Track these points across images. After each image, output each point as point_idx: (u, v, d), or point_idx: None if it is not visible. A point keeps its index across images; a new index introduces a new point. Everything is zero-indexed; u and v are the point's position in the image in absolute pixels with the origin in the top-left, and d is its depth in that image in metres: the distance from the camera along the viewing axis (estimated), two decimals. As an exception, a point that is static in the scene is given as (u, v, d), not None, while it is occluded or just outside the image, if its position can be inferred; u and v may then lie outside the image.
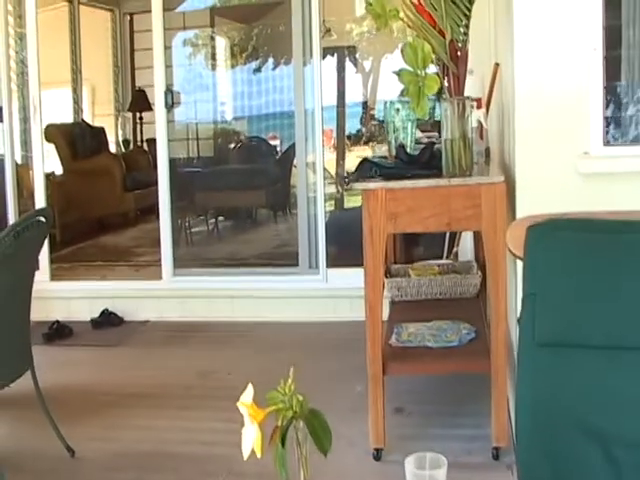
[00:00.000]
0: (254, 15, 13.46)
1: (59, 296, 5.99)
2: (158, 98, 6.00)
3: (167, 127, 6.03)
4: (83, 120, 9.98)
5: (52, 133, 8.16)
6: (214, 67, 11.36)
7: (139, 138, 10.79)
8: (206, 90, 11.17)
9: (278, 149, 9.99)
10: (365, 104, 15.18)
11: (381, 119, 15.09)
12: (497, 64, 4.35)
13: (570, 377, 1.79)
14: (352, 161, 11.44)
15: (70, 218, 7.88)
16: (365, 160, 3.56)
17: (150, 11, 10.26)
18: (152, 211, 9.34)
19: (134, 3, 10.72)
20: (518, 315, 1.90)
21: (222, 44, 12.18)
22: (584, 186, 3.33)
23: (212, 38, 11.01)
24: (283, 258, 6.50)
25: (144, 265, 6.92)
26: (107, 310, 5.88)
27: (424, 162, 3.52)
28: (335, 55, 13.78)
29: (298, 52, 5.85)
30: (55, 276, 6.23)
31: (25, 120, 6.86)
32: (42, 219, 3.45)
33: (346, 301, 5.56)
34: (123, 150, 10.52)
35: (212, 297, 5.84)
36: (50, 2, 9.37)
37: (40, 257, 6.10)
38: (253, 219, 8.35)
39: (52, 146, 8.52)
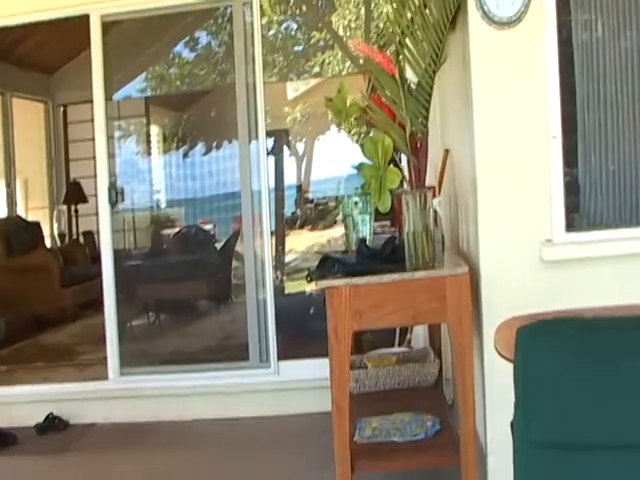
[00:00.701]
0: (185, 103, 13.54)
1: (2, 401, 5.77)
2: (102, 194, 5.83)
3: (111, 223, 5.85)
4: (17, 215, 9.80)
5: (-14, 229, 8.01)
6: (149, 154, 11.33)
7: (75, 231, 10.62)
8: (141, 179, 11.11)
9: (214, 235, 9.94)
10: (299, 187, 15.25)
11: (313, 200, 15.20)
12: (447, 150, 4.34)
13: None
14: (290, 245, 11.51)
15: (6, 317, 7.64)
16: (327, 257, 3.49)
17: (84, 102, 10.32)
18: (91, 306, 9.18)
19: (67, 94, 10.66)
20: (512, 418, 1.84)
21: (156, 131, 12.17)
22: (549, 274, 3.32)
23: (147, 126, 10.97)
24: (231, 350, 6.36)
25: (87, 364, 6.70)
26: (52, 414, 5.65)
27: (386, 256, 3.45)
28: (271, 138, 13.90)
29: (244, 134, 5.76)
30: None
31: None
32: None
33: (299, 393, 5.46)
34: (59, 244, 10.33)
35: (161, 396, 5.67)
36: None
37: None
38: (195, 310, 8.21)
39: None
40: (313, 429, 5.06)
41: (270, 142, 13.79)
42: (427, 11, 3.34)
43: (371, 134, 3.76)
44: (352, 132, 14.45)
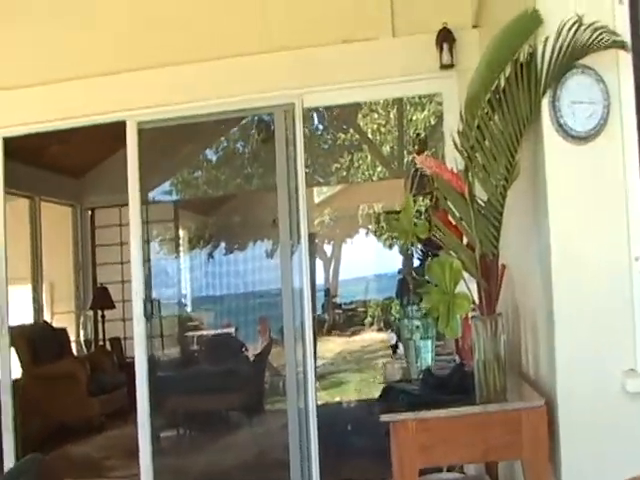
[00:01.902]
0: (210, 207, 13.51)
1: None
2: (136, 306, 5.61)
3: (146, 338, 5.62)
4: (44, 321, 9.62)
5: (13, 336, 7.75)
6: (177, 258, 11.22)
7: (101, 337, 10.42)
8: (171, 283, 10.97)
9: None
10: (327, 290, 15.09)
11: (341, 304, 14.97)
12: (503, 265, 4.11)
13: None
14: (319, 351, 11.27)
15: (32, 427, 7.35)
16: (390, 387, 3.25)
17: (111, 206, 10.24)
18: (118, 416, 8.92)
19: (95, 198, 10.57)
20: None
21: (184, 234, 12.09)
22: (633, 405, 3.05)
23: (176, 229, 10.88)
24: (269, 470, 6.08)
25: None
26: None
27: (454, 386, 3.21)
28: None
29: (285, 236, 5.61)
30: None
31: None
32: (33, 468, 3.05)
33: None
34: (85, 350, 10.11)
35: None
36: (9, 198, 9.17)
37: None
38: (229, 423, 7.92)
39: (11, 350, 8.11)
40: None
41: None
42: (498, 124, 3.15)
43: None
44: (384, 237, 14.41)
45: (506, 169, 3.13)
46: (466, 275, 3.19)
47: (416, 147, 8.31)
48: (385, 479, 5.07)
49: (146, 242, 5.97)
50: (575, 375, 3.09)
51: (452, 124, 5.13)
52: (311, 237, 12.81)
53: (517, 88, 3.08)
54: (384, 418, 3.10)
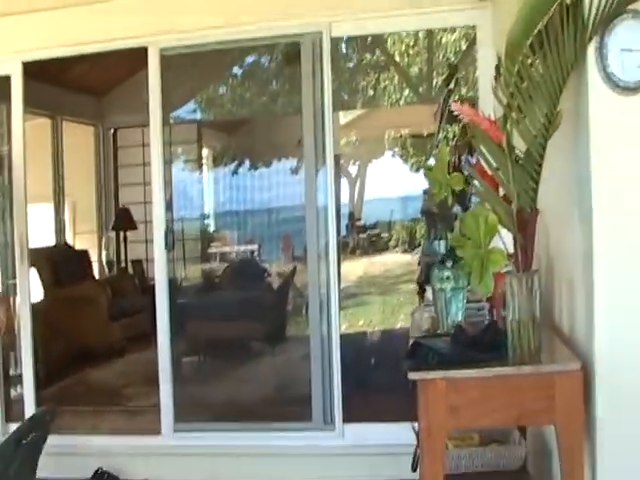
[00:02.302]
0: (236, 126, 13.36)
1: (46, 452, 5.43)
2: (158, 238, 5.49)
3: (167, 270, 5.52)
4: (66, 243, 9.54)
5: (34, 258, 7.65)
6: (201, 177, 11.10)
7: (123, 258, 10.35)
8: (195, 205, 10.87)
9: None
10: (352, 213, 14.94)
11: (365, 226, 14.85)
12: (536, 210, 3.94)
13: None
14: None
15: (53, 350, 7.33)
16: (418, 344, 3.12)
17: (134, 126, 10.08)
18: (140, 340, 8.88)
19: (118, 118, 10.41)
20: None
21: (208, 153, 11.95)
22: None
23: (200, 148, 10.74)
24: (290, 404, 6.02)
25: (138, 411, 6.37)
26: (101, 469, 5.35)
27: (486, 344, 3.08)
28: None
29: (310, 158, 5.44)
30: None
31: (5, 245, 6.43)
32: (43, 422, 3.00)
33: (364, 459, 5.11)
34: (107, 272, 10.05)
35: (216, 455, 5.33)
36: (29, 117, 9.04)
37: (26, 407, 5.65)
38: (250, 350, 7.85)
39: (33, 270, 8.05)
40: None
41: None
42: (539, 71, 2.95)
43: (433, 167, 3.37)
44: (411, 162, 14.21)
45: (547, 118, 2.95)
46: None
47: (445, 74, 8.03)
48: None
49: (168, 164, 5.75)
50: (616, 334, 2.93)
51: (487, 59, 5.00)
52: (336, 158, 12.68)
53: (562, 33, 2.86)
54: (413, 376, 2.99)
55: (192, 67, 8.65)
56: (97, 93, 10.32)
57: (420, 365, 3.01)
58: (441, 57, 10.35)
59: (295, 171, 14.37)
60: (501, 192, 3.08)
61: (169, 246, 5.50)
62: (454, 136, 10.72)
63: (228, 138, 13.63)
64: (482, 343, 3.10)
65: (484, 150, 3.03)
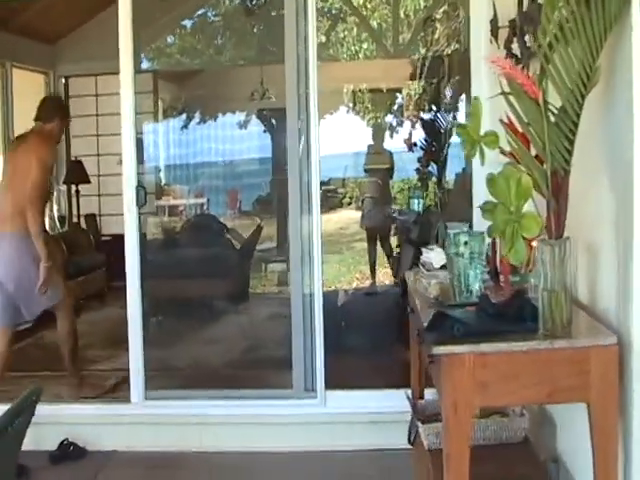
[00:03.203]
0: (187, 77, 12.97)
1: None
2: (128, 193, 5.17)
3: (138, 227, 5.21)
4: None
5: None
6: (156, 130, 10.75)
7: (75, 213, 9.95)
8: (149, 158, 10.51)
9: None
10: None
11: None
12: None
13: None
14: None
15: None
16: (442, 314, 2.88)
17: (87, 75, 9.66)
18: (96, 299, 8.57)
19: (70, 66, 9.96)
20: None
21: (162, 105, 11.58)
22: None
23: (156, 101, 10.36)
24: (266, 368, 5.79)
25: (101, 375, 6.07)
26: (67, 440, 5.05)
27: (514, 315, 2.85)
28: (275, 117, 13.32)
29: (293, 110, 5.23)
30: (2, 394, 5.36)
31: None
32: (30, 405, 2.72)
33: (346, 427, 4.91)
34: (59, 228, 9.64)
35: (190, 424, 5.08)
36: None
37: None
38: (214, 313, 7.57)
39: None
40: (364, 468, 4.61)
41: (275, 121, 13.32)
42: (581, 20, 2.69)
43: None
44: (368, 117, 13.93)
45: (585, 73, 2.70)
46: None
47: (426, 27, 7.78)
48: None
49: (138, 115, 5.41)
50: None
51: (480, 11, 4.75)
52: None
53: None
54: (438, 351, 2.75)
55: (160, 7, 8.30)
56: (49, 39, 9.84)
57: (445, 338, 2.77)
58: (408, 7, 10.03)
59: (244, 125, 14.11)
60: (533, 153, 2.84)
61: (140, 202, 5.19)
62: (416, 93, 10.54)
63: (178, 89, 13.24)
64: (509, 314, 2.87)
65: (517, 106, 2.78)
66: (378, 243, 9.54)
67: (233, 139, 13.96)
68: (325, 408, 5.01)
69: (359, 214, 10.68)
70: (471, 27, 4.91)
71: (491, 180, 2.77)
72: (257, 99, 12.39)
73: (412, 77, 9.97)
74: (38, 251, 5.43)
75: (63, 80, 10.23)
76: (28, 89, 9.89)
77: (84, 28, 9.54)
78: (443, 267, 3.75)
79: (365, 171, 10.32)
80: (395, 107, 13.08)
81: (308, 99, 5.06)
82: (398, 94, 11.89)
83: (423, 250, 4.11)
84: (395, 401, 4.56)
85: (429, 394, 4.24)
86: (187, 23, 12.01)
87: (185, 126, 13.42)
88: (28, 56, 9.44)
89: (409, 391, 4.30)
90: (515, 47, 4.08)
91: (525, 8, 3.95)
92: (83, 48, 9.27)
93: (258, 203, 13.77)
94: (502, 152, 2.86)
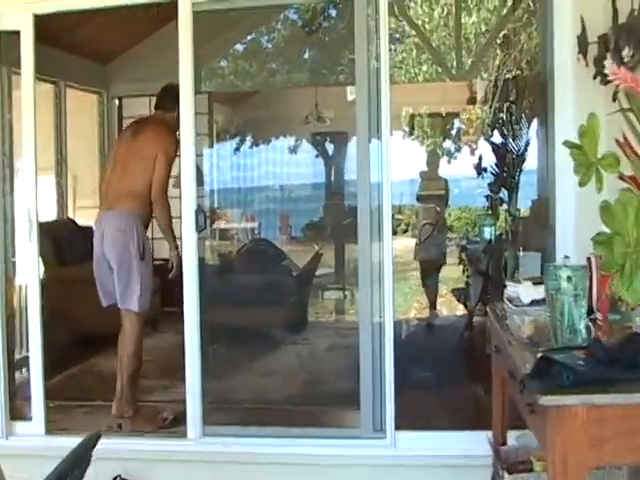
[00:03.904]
0: (241, 99, 12.81)
1: (59, 455, 4.86)
2: (187, 217, 4.90)
3: (197, 253, 4.93)
4: (69, 218, 8.91)
5: (35, 235, 7.07)
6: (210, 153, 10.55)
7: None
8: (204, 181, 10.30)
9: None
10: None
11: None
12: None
13: None
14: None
15: (56, 335, 6.67)
16: (547, 359, 2.55)
17: (141, 95, 9.46)
18: (149, 325, 8.28)
19: (123, 86, 9.76)
20: None
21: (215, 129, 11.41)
22: None
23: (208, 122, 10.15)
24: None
25: (155, 404, 5.79)
26: (120, 477, 4.78)
27: (629, 360, 2.53)
28: (330, 141, 13.09)
29: (363, 130, 4.79)
30: (51, 425, 5.13)
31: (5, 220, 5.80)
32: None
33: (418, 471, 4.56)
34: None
35: (250, 463, 4.75)
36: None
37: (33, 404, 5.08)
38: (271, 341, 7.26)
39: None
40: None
41: (330, 145, 13.09)
42: None
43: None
44: (427, 142, 13.61)
45: None
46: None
47: (500, 47, 7.45)
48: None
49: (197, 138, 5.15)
50: None
51: (565, 26, 4.45)
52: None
53: None
54: (546, 401, 2.43)
55: (219, 28, 8.10)
56: (103, 59, 9.66)
57: (552, 387, 2.45)
58: (471, 25, 9.69)
59: (295, 150, 13.91)
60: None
61: (200, 227, 4.92)
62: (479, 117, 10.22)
63: (232, 112, 13.08)
64: (623, 360, 2.54)
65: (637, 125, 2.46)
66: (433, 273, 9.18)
67: (285, 163, 13.80)
68: (395, 450, 4.65)
69: (413, 242, 10.31)
70: (555, 45, 4.58)
71: (606, 208, 2.46)
72: (312, 122, 12.18)
73: (474, 100, 9.69)
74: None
75: (117, 101, 10.00)
76: (82, 109, 9.74)
77: (138, 48, 9.36)
78: (533, 302, 3.47)
79: (419, 198, 9.90)
80: (454, 132, 12.80)
81: (380, 122, 4.71)
82: (458, 118, 11.62)
83: (508, 284, 3.80)
84: (472, 444, 4.29)
85: (511, 438, 3.92)
86: (243, 45, 11.88)
87: (237, 149, 13.28)
88: (81, 76, 9.28)
89: (490, 434, 3.98)
90: (608, 64, 3.77)
91: (622, 20, 3.66)
92: (137, 68, 9.09)
93: (309, 228, 13.55)
94: (621, 177, 2.53)
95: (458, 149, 13.31)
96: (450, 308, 9.19)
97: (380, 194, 4.72)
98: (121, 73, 9.66)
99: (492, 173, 6.28)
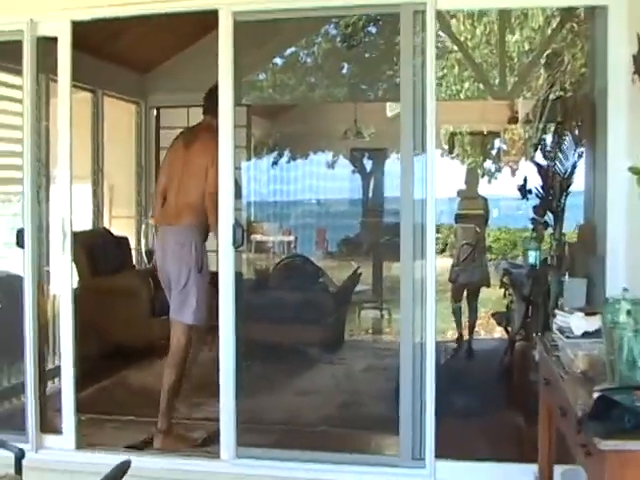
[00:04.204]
0: (279, 113, 12.74)
1: (88, 470, 4.77)
2: (224, 232, 4.79)
3: (234, 269, 4.81)
4: (104, 228, 8.83)
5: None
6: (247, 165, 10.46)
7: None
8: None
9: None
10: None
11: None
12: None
13: None
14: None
15: (88, 347, 6.58)
16: (606, 398, 2.41)
17: (179, 106, 9.40)
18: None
19: (161, 96, 9.70)
20: None
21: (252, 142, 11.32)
22: None
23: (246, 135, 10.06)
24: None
25: (188, 425, 5.66)
26: (148, 497, 4.65)
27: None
28: (369, 158, 12.98)
29: (407, 145, 4.67)
30: (82, 440, 5.03)
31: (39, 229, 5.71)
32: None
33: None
34: (147, 263, 9.31)
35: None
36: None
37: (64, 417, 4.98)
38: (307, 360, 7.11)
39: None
40: None
41: (368, 161, 12.98)
42: None
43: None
44: (468, 161, 13.47)
45: None
46: None
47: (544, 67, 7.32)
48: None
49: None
50: None
51: (619, 46, 4.32)
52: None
53: None
54: (607, 446, 2.28)
55: (260, 40, 8.02)
56: (141, 69, 9.60)
57: (612, 430, 2.31)
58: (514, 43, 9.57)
59: (332, 165, 13.83)
60: None
61: (237, 242, 4.80)
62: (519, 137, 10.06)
63: (270, 125, 13.00)
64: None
65: None
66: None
67: (322, 177, 13.72)
68: (434, 482, 4.49)
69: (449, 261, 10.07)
70: (609, 64, 4.43)
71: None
72: (350, 137, 12.10)
73: (516, 120, 9.54)
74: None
75: (155, 111, 9.94)
76: (119, 118, 9.68)
77: (177, 58, 9.28)
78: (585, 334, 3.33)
79: (458, 217, 9.62)
80: (494, 151, 12.65)
81: (424, 138, 4.58)
82: (499, 137, 11.48)
83: (559, 313, 3.65)
84: (514, 476, 4.11)
85: (556, 472, 3.78)
86: (282, 58, 11.83)
87: (275, 162, 13.22)
88: (120, 85, 9.23)
89: (535, 468, 3.82)
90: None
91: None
92: (175, 79, 9.01)
93: (345, 244, 13.45)
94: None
95: (498, 169, 13.17)
96: (487, 332, 9.02)
97: (423, 211, 4.57)
98: (160, 83, 9.59)
99: (537, 195, 6.10)
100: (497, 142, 12.46)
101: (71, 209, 5.15)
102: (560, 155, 6.07)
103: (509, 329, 7.11)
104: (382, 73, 10.56)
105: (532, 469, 3.86)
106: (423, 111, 4.60)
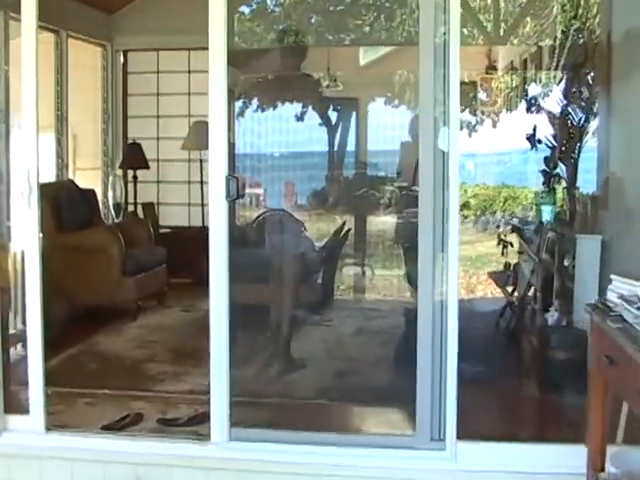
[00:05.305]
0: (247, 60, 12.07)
1: (59, 456, 4.23)
2: (215, 184, 4.21)
3: (227, 224, 4.23)
4: (70, 180, 8.20)
5: (32, 198, 6.39)
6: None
7: (132, 201, 9.06)
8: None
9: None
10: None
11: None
12: None
13: None
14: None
15: (53, 310, 5.98)
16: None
17: (148, 50, 8.76)
18: (156, 300, 7.67)
19: (129, 39, 9.05)
20: None
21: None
22: None
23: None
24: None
25: (169, 398, 5.12)
26: (134, 483, 4.13)
27: None
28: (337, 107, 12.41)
29: (428, 96, 4.00)
30: (51, 419, 4.44)
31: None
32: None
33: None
34: (114, 217, 8.72)
35: (282, 473, 4.09)
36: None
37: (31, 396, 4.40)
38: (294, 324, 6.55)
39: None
40: None
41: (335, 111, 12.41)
42: None
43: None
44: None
45: None
46: None
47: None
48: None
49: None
50: None
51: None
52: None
53: None
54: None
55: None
56: (107, 8, 8.92)
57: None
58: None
59: (301, 117, 13.27)
60: None
61: (232, 194, 4.21)
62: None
63: (237, 73, 12.36)
64: None
65: None
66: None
67: (288, 131, 13.22)
68: (456, 464, 3.93)
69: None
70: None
71: None
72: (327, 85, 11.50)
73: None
74: None
75: (122, 55, 9.28)
76: (84, 61, 9.03)
77: (145, -2, 8.65)
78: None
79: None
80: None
81: (447, 89, 3.96)
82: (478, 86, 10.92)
83: (616, 279, 3.13)
84: (552, 459, 3.73)
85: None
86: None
87: (241, 114, 12.64)
88: (84, 25, 8.58)
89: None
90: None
91: None
92: (144, 20, 8.40)
93: (314, 197, 12.90)
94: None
95: (480, 121, 12.69)
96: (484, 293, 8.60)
97: (445, 163, 3.98)
98: (127, 24, 8.96)
99: (547, 145, 5.60)
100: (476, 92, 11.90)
101: (38, 160, 4.52)
102: (574, 103, 5.57)
103: (516, 290, 6.60)
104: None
105: (575, 450, 3.37)
106: (445, 56, 3.95)
